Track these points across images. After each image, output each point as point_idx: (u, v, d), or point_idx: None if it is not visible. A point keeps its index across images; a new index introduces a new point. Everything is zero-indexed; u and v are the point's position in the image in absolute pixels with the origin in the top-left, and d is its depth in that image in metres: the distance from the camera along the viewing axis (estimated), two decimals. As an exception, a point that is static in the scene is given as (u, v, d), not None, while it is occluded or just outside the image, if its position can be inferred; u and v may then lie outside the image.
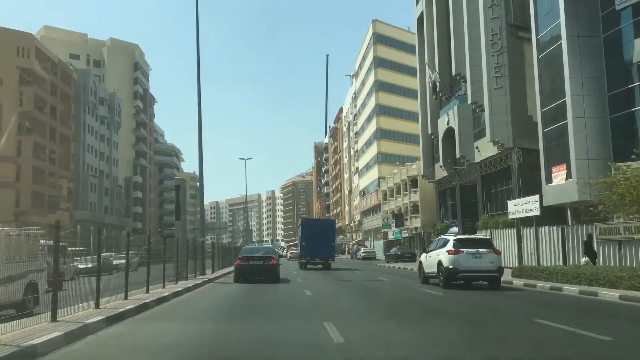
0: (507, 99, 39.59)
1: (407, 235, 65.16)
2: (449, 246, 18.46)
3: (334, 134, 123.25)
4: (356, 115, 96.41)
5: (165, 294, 15.54)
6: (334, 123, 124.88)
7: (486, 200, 45.43)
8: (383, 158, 79.83)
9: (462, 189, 50.65)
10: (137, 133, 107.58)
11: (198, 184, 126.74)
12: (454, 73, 47.03)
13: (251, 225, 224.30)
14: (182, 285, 19.37)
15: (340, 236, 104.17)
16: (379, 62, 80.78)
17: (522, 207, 23.57)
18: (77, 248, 17.84)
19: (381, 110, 79.87)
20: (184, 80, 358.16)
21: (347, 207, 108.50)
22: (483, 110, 42.53)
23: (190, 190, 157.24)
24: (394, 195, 67.77)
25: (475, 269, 18.02)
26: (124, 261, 24.21)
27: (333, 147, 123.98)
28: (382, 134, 79.80)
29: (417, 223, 61.57)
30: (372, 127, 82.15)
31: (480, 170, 45.13)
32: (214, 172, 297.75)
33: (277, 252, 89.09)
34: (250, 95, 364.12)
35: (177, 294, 16.60)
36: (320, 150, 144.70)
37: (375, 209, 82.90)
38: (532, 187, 35.98)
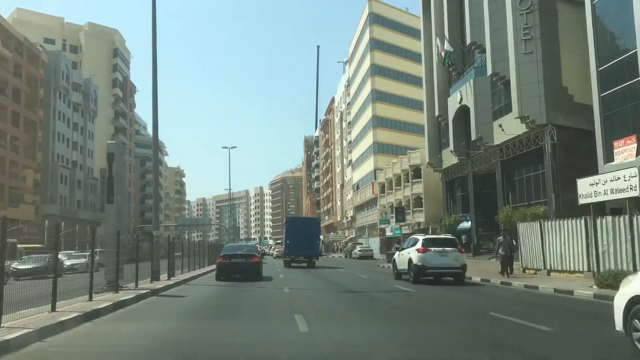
0: (538, 66, 32.60)
1: (408, 231, 57.97)
2: (418, 245, 19.63)
3: (325, 126, 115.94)
4: (349, 104, 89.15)
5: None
6: (325, 115, 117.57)
7: (507, 189, 38.36)
8: (379, 148, 72.61)
9: (475, 179, 43.65)
10: (116, 123, 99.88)
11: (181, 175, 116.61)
12: (468, 42, 39.98)
13: (239, 223, 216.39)
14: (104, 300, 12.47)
15: (332, 233, 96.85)
16: (375, 45, 73.49)
17: (605, 186, 16.44)
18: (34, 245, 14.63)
19: (378, 96, 72.66)
20: (170, 71, 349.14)
21: (338, 203, 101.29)
22: (506, 83, 35.60)
23: (175, 186, 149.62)
24: (393, 188, 60.59)
25: (441, 266, 19.11)
26: (80, 261, 23.44)
27: (324, 140, 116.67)
28: (379, 122, 72.56)
29: (420, 217, 54.46)
30: (367, 115, 74.90)
31: (500, 154, 38.04)
32: (201, 168, 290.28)
33: (265, 250, 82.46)
34: (239, 90, 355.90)
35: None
36: (310, 144, 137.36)
37: (370, 203, 75.75)
38: (570, 171, 29.67)
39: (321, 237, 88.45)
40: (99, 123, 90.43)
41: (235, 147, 74.95)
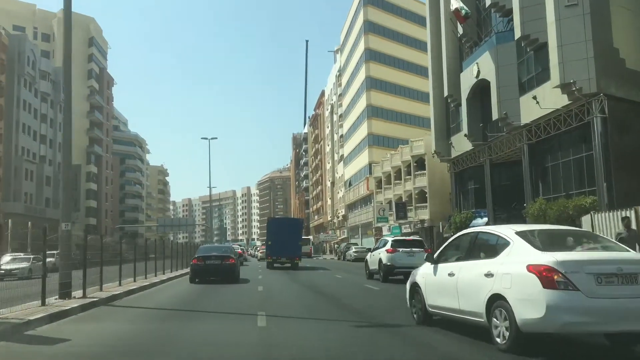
0: (585, 21, 25.74)
1: (409, 230, 50.96)
2: (388, 246, 20.37)
3: (315, 121, 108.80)
4: (341, 96, 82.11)
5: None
6: (315, 110, 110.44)
7: (537, 178, 31.49)
8: (374, 140, 65.58)
9: (492, 168, 36.78)
10: (92, 117, 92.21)
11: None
12: (488, 4, 33.04)
13: (226, 224, 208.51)
14: None
15: (322, 233, 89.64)
16: (369, 27, 66.37)
17: None
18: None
19: (372, 83, 65.58)
20: (153, 68, 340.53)
21: (329, 201, 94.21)
22: (539, 48, 28.85)
23: (158, 185, 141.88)
24: (392, 182, 53.51)
25: (409, 266, 17.82)
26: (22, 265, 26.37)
27: (313, 136, 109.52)
28: (374, 112, 65.51)
29: (424, 214, 47.45)
30: (361, 105, 67.82)
31: (527, 136, 31.11)
32: (187, 169, 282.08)
33: (251, 251, 75.17)
34: (226, 89, 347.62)
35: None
36: (299, 142, 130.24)
37: (364, 200, 68.72)
38: (625, 154, 24.17)
39: (310, 237, 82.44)
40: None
41: (215, 138, 65.50)
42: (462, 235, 8.81)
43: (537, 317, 6.23)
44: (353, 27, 72.61)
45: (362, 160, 67.69)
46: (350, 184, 75.70)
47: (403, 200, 49.92)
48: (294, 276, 24.89)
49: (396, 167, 52.32)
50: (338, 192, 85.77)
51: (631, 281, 6.27)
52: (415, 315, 9.23)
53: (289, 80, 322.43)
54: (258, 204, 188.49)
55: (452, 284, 7.94)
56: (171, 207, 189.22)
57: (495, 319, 6.85)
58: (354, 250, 49.07)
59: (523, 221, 31.80)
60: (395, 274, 19.91)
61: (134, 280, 19.63)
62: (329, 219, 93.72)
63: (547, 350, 6.85)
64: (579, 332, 6.58)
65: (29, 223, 51.26)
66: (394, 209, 50.50)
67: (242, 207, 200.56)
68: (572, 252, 6.89)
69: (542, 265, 6.34)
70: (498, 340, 6.77)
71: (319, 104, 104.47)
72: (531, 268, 6.41)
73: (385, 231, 56.69)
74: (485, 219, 38.32)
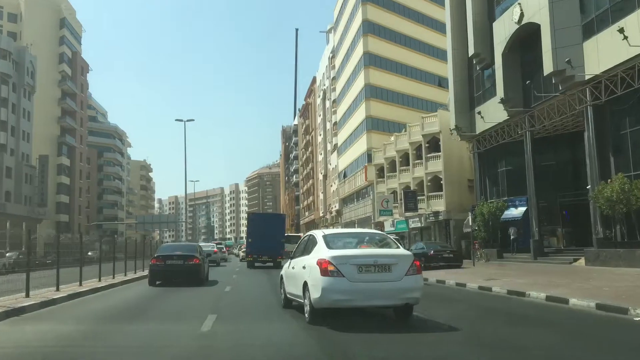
0: None
1: (418, 224, 42.37)
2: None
3: (305, 111, 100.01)
4: (334, 79, 73.39)
5: None
6: (305, 99, 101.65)
7: (605, 151, 23.12)
8: (373, 124, 56.93)
9: (533, 144, 28.49)
10: (64, 105, 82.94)
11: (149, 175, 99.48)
12: None
13: (213, 222, 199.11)
14: None
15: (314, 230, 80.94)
16: (367, -2, 57.77)
17: None
18: None
19: (371, 60, 56.91)
20: (136, 61, 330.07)
21: (320, 196, 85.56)
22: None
23: (140, 181, 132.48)
24: (397, 169, 44.80)
25: None
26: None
27: (303, 127, 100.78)
28: (373, 92, 56.82)
29: (438, 205, 38.83)
30: (358, 85, 59.15)
31: (593, 95, 22.69)
32: (175, 167, 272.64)
33: (234, 251, 66.52)
34: (215, 83, 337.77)
35: None
36: (288, 135, 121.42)
37: (362, 193, 60.20)
38: None
39: (301, 234, 73.57)
40: (39, 102, 73.45)
41: (192, 119, 56.71)
42: (305, 236, 10.93)
43: (318, 297, 8.56)
44: (348, 1, 63.93)
45: (360, 147, 59.08)
46: (345, 175, 67.09)
47: (411, 189, 41.30)
48: (273, 277, 21.04)
49: (402, 150, 43.66)
50: (331, 185, 77.14)
51: (384, 270, 8.64)
52: (282, 302, 11.11)
53: (280, 74, 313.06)
54: (247, 201, 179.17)
55: (292, 275, 10.28)
56: (157, 205, 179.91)
57: (305, 300, 9.15)
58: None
59: (584, 209, 23.57)
60: None
61: (99, 280, 18.74)
62: (321, 215, 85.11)
63: (340, 322, 8.58)
64: (345, 306, 8.80)
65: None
66: (399, 200, 41.96)
67: (231, 205, 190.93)
68: (348, 249, 9.11)
69: (323, 259, 8.65)
70: (306, 316, 9.06)
71: (310, 92, 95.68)
72: (318, 261, 8.71)
73: (388, 227, 48.14)
74: (522, 209, 30.02)
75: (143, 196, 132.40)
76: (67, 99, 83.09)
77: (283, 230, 34.50)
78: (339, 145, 70.45)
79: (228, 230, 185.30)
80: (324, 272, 8.45)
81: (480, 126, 31.93)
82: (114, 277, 20.81)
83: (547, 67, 23.82)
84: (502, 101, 27.87)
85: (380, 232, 12.14)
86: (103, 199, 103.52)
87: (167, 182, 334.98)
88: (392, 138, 46.28)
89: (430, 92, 59.15)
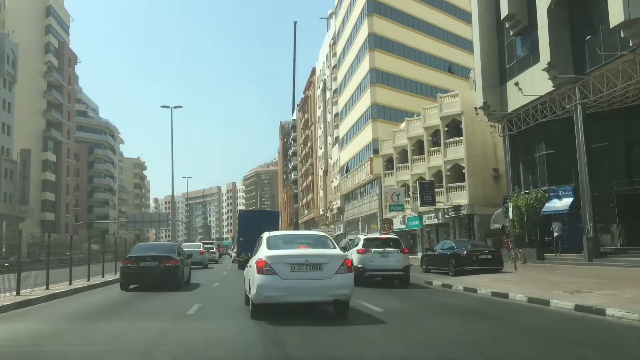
0: None
1: (434, 220, 36.82)
2: (359, 245, 17.81)
3: (304, 105, 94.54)
4: (335, 67, 67.89)
5: None
6: (304, 92, 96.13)
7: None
8: (379, 112, 51.38)
9: (585, 122, 23.08)
10: (49, 97, 77.38)
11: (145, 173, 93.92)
12: None
13: (210, 221, 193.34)
14: None
15: (312, 229, 75.39)
16: (373, -25, 52.20)
17: None
18: None
19: (377, 42, 51.35)
20: (132, 58, 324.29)
21: (320, 193, 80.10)
22: None
23: (134, 179, 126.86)
24: (410, 159, 39.19)
25: (383, 268, 17.08)
26: None
27: (302, 121, 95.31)
28: (378, 77, 51.25)
29: (460, 198, 33.25)
30: (362, 70, 53.58)
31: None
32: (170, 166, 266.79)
33: (228, 252, 61.18)
34: (213, 80, 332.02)
35: None
36: (287, 131, 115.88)
37: (366, 188, 54.82)
38: None
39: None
40: (22, 94, 67.86)
41: (180, 106, 50.54)
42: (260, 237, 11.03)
43: (254, 293, 9.13)
44: (351, -20, 58.46)
45: (364, 138, 53.54)
46: (347, 170, 61.60)
47: (427, 180, 35.74)
48: None
49: (416, 137, 38.11)
50: (332, 181, 71.68)
51: (315, 268, 9.11)
52: (245, 298, 11.33)
53: (278, 71, 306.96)
54: (244, 200, 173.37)
55: (246, 273, 11.03)
56: (153, 204, 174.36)
57: (250, 296, 9.69)
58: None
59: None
60: (366, 277, 16.71)
61: (70, 284, 16.85)
62: (321, 212, 79.64)
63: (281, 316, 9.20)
64: (279, 302, 9.16)
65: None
66: (411, 194, 36.48)
67: (228, 204, 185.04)
68: (284, 250, 9.51)
69: (260, 259, 9.28)
70: (250, 311, 9.56)
71: (309, 84, 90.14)
72: (256, 261, 9.37)
73: (397, 224, 42.66)
74: (568, 200, 24.60)
75: (137, 195, 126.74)
76: (53, 91, 77.58)
77: (276, 228, 31.35)
78: (340, 137, 64.97)
79: (225, 230, 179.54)
80: (260, 270, 9.10)
81: (514, 102, 26.49)
82: (88, 280, 18.82)
83: (615, 16, 18.43)
84: (549, 67, 22.41)
85: (323, 234, 11.86)
86: (93, 197, 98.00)
87: (165, 182, 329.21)
88: (403, 124, 40.82)
89: (440, 78, 53.68)
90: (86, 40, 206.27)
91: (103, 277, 20.44)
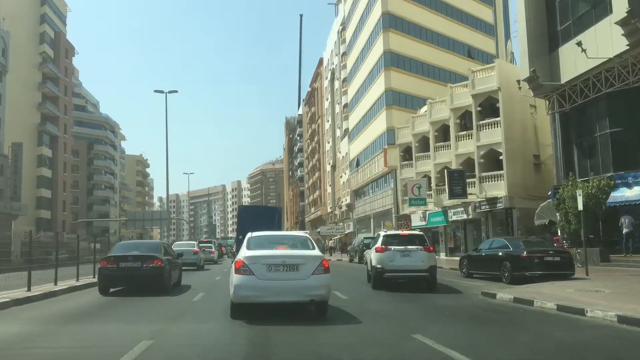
0: None
1: (463, 216, 31.75)
2: (378, 243, 15.70)
3: (311, 98, 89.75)
4: (344, 55, 63.04)
5: None
6: (311, 85, 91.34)
7: None
8: (394, 98, 46.44)
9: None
10: (44, 89, 72.85)
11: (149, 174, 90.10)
12: None
13: (215, 220, 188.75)
14: None
15: (321, 227, 70.52)
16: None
17: None
18: None
19: (391, 22, 46.40)
20: (134, 55, 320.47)
21: (328, 189, 75.32)
22: None
23: (136, 177, 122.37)
24: (432, 147, 34.19)
25: (404, 269, 14.88)
26: None
27: (309, 115, 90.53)
28: (393, 60, 46.30)
29: (497, 189, 28.25)
30: (376, 53, 48.64)
31: None
32: (177, 165, 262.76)
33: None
34: (216, 79, 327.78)
35: None
36: (292, 126, 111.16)
37: (379, 183, 50.04)
38: None
39: (306, 233, 63.19)
40: (15, 85, 63.34)
41: (176, 91, 45.70)
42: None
43: (232, 292, 9.12)
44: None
45: (377, 127, 48.65)
46: (358, 164, 56.77)
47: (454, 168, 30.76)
48: None
49: (440, 121, 33.17)
50: (341, 177, 66.87)
51: (292, 269, 8.96)
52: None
53: (284, 66, 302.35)
54: (249, 199, 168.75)
55: (230, 273, 10.46)
56: (157, 203, 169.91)
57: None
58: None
59: None
60: (385, 278, 14.91)
61: (55, 284, 16.29)
62: (329, 210, 74.86)
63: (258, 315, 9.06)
64: (255, 302, 9.01)
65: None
66: (435, 185, 31.59)
67: (233, 202, 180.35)
68: (262, 250, 9.31)
69: (239, 259, 9.22)
70: (230, 310, 9.41)
71: (316, 75, 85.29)
72: (235, 261, 9.42)
73: (417, 221, 37.76)
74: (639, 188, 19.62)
75: (140, 193, 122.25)
76: (49, 83, 73.05)
77: (279, 225, 29.41)
78: (350, 129, 60.14)
79: (230, 229, 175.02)
80: (237, 270, 9.06)
81: (570, 71, 21.61)
82: (55, 284, 16.75)
83: None
84: (628, 17, 17.45)
85: (304, 235, 11.29)
86: (93, 195, 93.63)
87: (170, 180, 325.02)
88: (424, 109, 35.93)
89: (459, 63, 48.67)
90: (88, 39, 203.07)
91: (94, 277, 18.34)
